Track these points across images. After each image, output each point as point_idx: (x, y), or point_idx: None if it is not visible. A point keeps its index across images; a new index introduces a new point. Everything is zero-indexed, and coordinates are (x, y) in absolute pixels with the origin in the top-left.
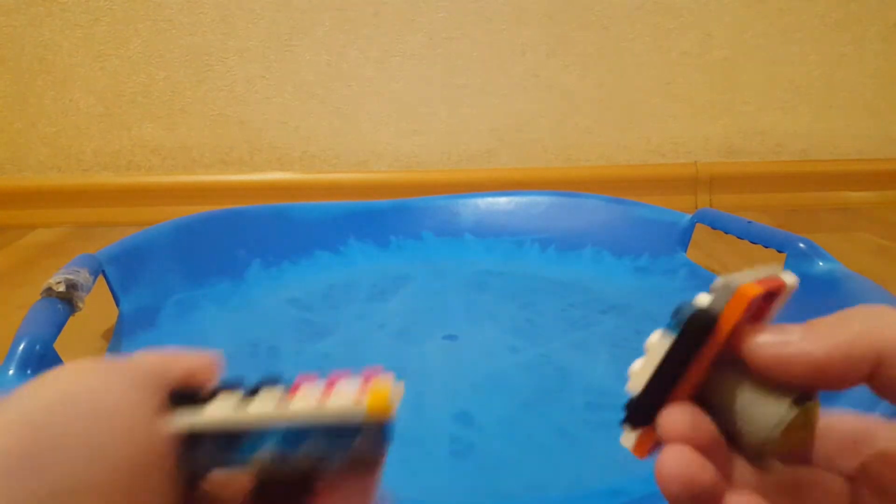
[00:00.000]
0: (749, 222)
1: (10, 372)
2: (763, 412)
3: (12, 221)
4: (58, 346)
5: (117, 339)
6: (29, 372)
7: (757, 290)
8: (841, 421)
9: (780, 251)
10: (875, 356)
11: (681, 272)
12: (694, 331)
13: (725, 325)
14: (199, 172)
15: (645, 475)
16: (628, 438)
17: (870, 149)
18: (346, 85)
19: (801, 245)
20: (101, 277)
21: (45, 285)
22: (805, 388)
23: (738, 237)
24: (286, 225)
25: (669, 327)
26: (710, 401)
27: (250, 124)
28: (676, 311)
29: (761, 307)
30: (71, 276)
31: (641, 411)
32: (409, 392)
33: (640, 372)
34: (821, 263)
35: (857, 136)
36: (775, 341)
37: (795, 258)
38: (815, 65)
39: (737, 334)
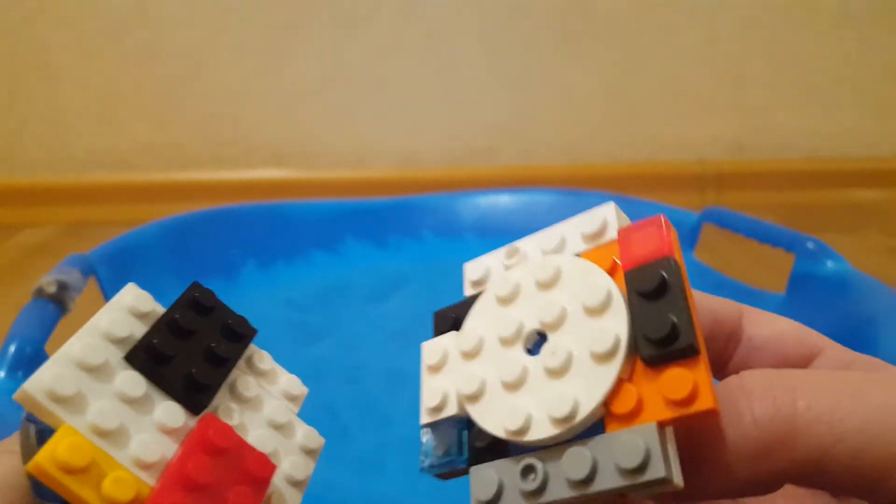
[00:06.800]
0: (757, 221)
1: (1, 374)
2: None
3: (2, 220)
4: (49, 348)
5: None
6: (20, 374)
7: None
8: None
9: (788, 251)
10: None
11: (688, 272)
12: None
13: None
14: (193, 170)
15: None
16: None
17: (880, 147)
18: (342, 81)
19: (810, 245)
20: (92, 278)
21: (36, 286)
22: None
23: (746, 236)
24: (281, 224)
25: None
26: None
27: (245, 121)
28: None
29: None
30: (62, 277)
31: None
32: (408, 394)
33: None
34: (830, 264)
35: (867, 134)
36: None
37: (804, 258)
38: (823, 62)
39: None
